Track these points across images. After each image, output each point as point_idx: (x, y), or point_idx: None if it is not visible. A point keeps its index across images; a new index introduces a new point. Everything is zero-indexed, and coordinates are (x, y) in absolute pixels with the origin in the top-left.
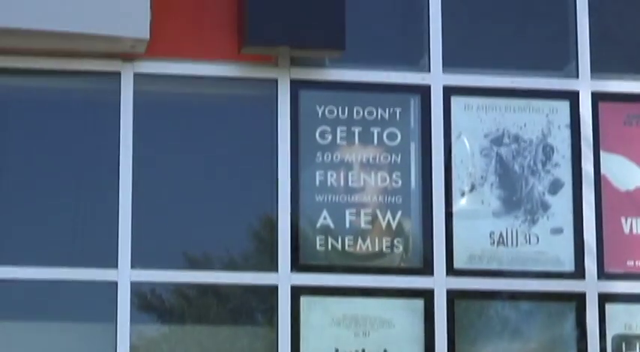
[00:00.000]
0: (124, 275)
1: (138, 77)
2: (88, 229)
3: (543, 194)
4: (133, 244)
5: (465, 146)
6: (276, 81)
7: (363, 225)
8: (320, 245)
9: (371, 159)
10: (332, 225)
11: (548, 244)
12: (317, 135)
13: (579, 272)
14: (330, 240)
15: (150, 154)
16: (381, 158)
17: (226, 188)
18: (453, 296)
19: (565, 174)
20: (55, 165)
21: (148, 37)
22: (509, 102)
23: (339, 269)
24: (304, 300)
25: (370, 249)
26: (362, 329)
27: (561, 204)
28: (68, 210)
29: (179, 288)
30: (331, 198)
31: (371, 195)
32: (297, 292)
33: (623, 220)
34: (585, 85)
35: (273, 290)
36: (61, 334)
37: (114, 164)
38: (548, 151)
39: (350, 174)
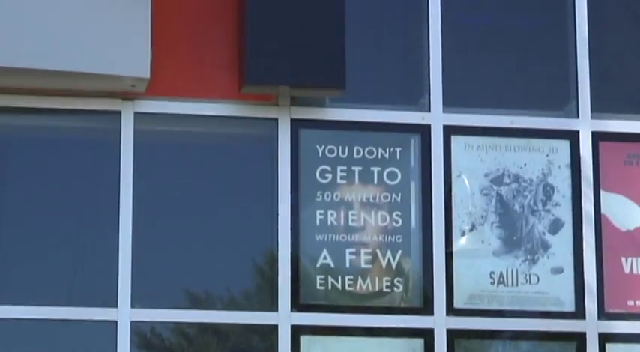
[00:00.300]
0: (124, 314)
1: (138, 116)
2: (87, 268)
3: (543, 233)
4: (133, 283)
5: (465, 185)
6: (276, 120)
7: (363, 264)
8: (320, 284)
9: (371, 199)
10: (332, 264)
11: (548, 284)
12: (317, 174)
13: (580, 312)
14: (330, 279)
15: (150, 193)
16: (381, 197)
17: (227, 227)
18: (453, 335)
19: (565, 213)
20: (55, 204)
21: (148, 76)
22: (509, 142)
23: (339, 309)
24: (304, 339)
25: (370, 288)
26: None
27: (561, 244)
28: (68, 248)
29: (179, 327)
30: (331, 238)
31: (371, 234)
32: (297, 331)
33: (623, 260)
34: (585, 125)
35: (273, 329)
36: None
37: (114, 202)
38: (548, 191)
39: (350, 214)
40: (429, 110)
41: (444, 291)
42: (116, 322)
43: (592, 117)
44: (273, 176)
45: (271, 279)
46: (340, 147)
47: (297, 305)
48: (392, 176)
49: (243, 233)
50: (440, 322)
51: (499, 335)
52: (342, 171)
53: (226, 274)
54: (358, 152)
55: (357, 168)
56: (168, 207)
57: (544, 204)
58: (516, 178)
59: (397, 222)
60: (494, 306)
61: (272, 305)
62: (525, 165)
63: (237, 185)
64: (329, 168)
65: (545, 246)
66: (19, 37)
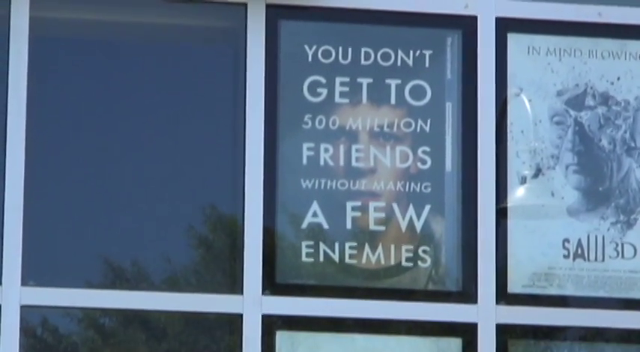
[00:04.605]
0: (11, 295)
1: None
2: None
3: None
4: (25, 253)
5: (526, 109)
6: (245, 6)
7: (372, 225)
8: (307, 255)
9: (386, 127)
10: (325, 226)
11: None
12: (305, 89)
13: None
14: (322, 247)
15: (51, 117)
16: (402, 125)
17: (168, 168)
18: (505, 333)
19: None
20: None
21: None
22: (595, 44)
23: (334, 292)
24: (281, 337)
25: (383, 262)
26: None
27: None
28: None
29: (90, 316)
30: (325, 185)
31: (385, 180)
32: (270, 325)
33: None
34: None
35: (234, 320)
36: None
37: None
38: None
39: (354, 149)
40: None
41: (494, 269)
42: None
43: None
44: (239, 90)
45: (233, 249)
46: (340, 49)
47: (271, 286)
48: (418, 93)
49: (193, 178)
50: (486, 314)
51: (572, 334)
52: (342, 84)
53: (165, 240)
54: (367, 56)
55: (364, 81)
56: (79, 138)
57: None
58: (605, 99)
59: (424, 162)
60: (568, 291)
61: (234, 286)
62: (619, 79)
63: (186, 103)
64: (323, 81)
65: None
66: None
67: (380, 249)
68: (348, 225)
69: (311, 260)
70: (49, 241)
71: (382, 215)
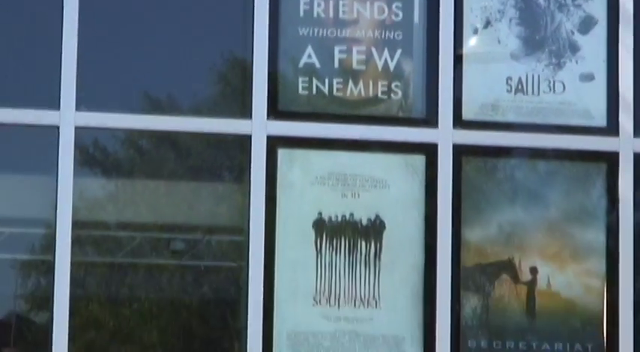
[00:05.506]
0: (67, 118)
1: None
2: (26, 64)
3: (572, 33)
4: (79, 82)
5: None
6: None
7: (355, 64)
8: (303, 88)
9: None
10: (318, 65)
11: (575, 93)
12: None
13: (612, 128)
14: (315, 82)
15: None
16: None
17: (192, 18)
18: (460, 152)
19: (599, 9)
20: None
21: None
22: None
23: (324, 118)
24: (282, 153)
25: (363, 93)
26: (350, 189)
27: (593, 46)
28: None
29: (130, 137)
30: (317, 32)
31: (365, 28)
32: (274, 143)
33: None
34: None
35: (245, 140)
36: None
37: None
38: None
39: (341, 4)
40: None
41: (451, 100)
42: (58, 127)
43: None
44: None
45: (244, 81)
46: None
47: (274, 113)
48: None
49: (211, 25)
50: (445, 136)
51: (514, 153)
52: None
53: (190, 74)
54: None
55: None
56: None
57: None
58: None
59: (397, 14)
60: (511, 118)
61: (245, 112)
62: None
63: None
64: None
65: (574, 48)
66: None
67: (361, 84)
68: (336, 65)
69: (306, 92)
70: (100, 73)
71: (363, 57)
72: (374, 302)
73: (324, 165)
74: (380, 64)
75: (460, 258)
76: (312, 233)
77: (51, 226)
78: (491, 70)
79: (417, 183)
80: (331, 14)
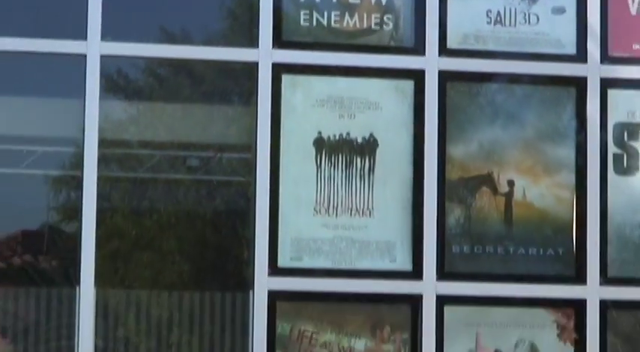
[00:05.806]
0: (94, 47)
1: None
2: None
3: None
4: (104, 14)
5: None
6: None
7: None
8: (304, 20)
9: None
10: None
11: (548, 24)
12: None
13: (581, 56)
14: (315, 14)
15: None
16: None
17: None
18: (445, 77)
19: None
20: None
21: None
22: None
23: (324, 47)
24: (286, 79)
25: (358, 25)
26: (347, 110)
27: None
28: None
29: (150, 67)
30: None
31: None
32: (278, 70)
33: (629, 0)
34: None
35: (252, 67)
36: (26, 109)
37: None
38: None
39: None
40: None
41: (437, 31)
42: (85, 56)
43: None
44: None
45: (251, 14)
46: None
47: (279, 42)
48: None
49: None
50: (431, 63)
51: (494, 78)
52: None
53: (203, 9)
54: None
55: None
56: None
57: None
58: None
59: None
60: (490, 47)
61: (252, 42)
62: None
63: None
64: None
65: None
66: None
67: (356, 17)
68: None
69: (307, 24)
70: (122, 7)
71: None
72: (368, 212)
73: (323, 89)
74: None
75: (445, 172)
76: (312, 150)
77: (79, 145)
78: (473, 4)
79: (406, 105)
80: None
